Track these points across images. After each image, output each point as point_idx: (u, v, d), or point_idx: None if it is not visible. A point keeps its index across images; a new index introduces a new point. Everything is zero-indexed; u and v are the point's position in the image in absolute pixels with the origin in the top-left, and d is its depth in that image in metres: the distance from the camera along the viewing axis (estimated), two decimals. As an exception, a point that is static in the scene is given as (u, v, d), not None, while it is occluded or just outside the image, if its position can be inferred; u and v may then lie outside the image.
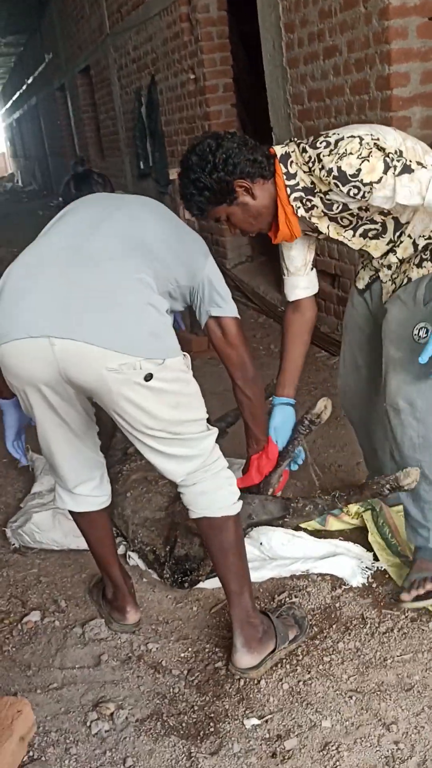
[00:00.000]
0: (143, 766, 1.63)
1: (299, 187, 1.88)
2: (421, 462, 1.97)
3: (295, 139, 1.94)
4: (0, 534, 2.69)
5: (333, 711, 1.72)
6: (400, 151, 1.78)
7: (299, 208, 1.91)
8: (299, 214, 1.92)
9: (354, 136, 1.77)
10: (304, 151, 1.85)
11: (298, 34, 4.02)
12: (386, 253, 1.98)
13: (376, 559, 2.25)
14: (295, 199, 1.89)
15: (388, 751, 1.59)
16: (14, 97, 21.15)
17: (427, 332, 1.85)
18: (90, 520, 1.97)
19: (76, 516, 1.97)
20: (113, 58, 8.49)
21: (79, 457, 1.87)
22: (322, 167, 1.78)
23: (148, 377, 1.60)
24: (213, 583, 2.19)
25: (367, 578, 2.18)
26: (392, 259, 1.97)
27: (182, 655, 1.98)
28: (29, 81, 16.81)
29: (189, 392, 1.72)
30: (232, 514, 1.81)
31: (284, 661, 1.89)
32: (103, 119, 10.02)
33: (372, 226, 1.94)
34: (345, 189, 1.77)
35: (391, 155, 1.74)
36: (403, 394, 1.92)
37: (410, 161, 1.74)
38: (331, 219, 1.94)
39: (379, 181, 1.73)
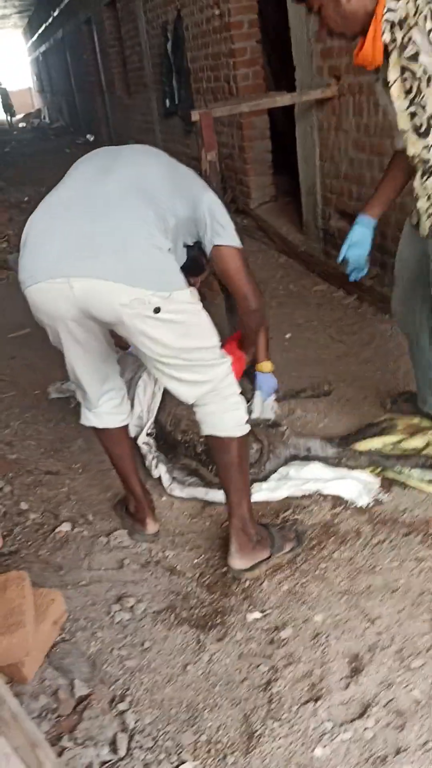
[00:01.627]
0: (158, 648, 1.89)
1: (396, 12, 1.86)
2: None
3: None
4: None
5: (325, 608, 1.96)
6: None
7: (385, 31, 1.89)
8: (384, 38, 1.91)
9: None
10: None
11: (320, -29, 4.01)
12: (424, 174, 2.01)
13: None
14: (387, 20, 1.88)
15: (371, 640, 1.83)
16: (40, 30, 20.77)
17: None
18: (111, 436, 2.23)
19: (99, 433, 2.24)
20: (139, -9, 8.37)
21: (101, 380, 2.13)
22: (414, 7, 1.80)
23: (157, 310, 1.80)
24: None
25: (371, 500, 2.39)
26: (429, 183, 2.02)
27: (195, 561, 2.23)
28: (55, 13, 16.51)
29: (197, 322, 1.92)
30: (236, 435, 2.02)
31: (284, 567, 2.13)
32: (129, 54, 9.92)
33: (421, 112, 1.95)
34: (429, 26, 1.80)
35: None
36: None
37: None
38: (402, 69, 1.93)
39: None
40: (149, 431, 2.75)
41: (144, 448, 2.70)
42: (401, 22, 1.87)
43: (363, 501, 2.37)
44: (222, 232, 2.06)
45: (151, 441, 2.74)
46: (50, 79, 22.27)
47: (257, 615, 1.97)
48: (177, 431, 2.68)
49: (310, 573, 2.10)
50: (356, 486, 2.43)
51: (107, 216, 1.82)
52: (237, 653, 1.85)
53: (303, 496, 2.43)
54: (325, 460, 2.56)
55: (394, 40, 1.88)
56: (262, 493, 2.43)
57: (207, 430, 2.04)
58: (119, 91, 11.23)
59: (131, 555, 2.28)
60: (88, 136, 15.25)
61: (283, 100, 4.23)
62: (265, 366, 3.00)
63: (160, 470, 2.61)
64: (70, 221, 1.84)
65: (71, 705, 1.69)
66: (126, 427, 2.26)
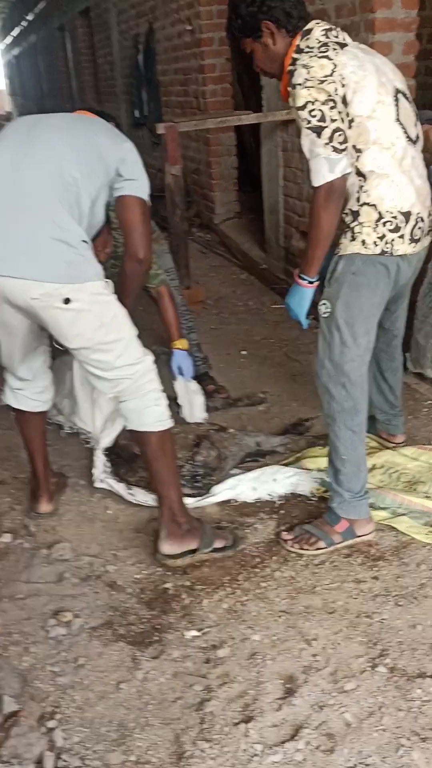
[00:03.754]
0: (93, 665, 1.86)
1: (297, 63, 2.00)
2: (330, 427, 2.20)
3: (326, 26, 2.05)
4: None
5: (263, 627, 1.95)
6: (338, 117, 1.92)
7: (291, 79, 2.02)
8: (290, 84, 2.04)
9: (332, 62, 1.92)
10: (318, 39, 2.00)
11: (290, -5, 4.07)
12: None
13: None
14: (290, 71, 2.02)
15: (306, 661, 1.83)
16: (14, 33, 20.64)
17: (326, 307, 2.09)
18: (26, 419, 2.38)
19: (16, 413, 2.38)
20: (113, 2, 8.39)
21: (27, 364, 2.26)
22: (300, 59, 1.97)
23: (66, 301, 1.90)
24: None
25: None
26: None
27: (136, 576, 2.21)
28: (29, 18, 16.43)
29: (112, 314, 2.00)
30: (155, 430, 2.10)
31: (225, 585, 2.12)
32: (101, 63, 9.93)
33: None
34: (294, 81, 1.95)
35: (315, 110, 1.90)
36: (315, 364, 2.20)
37: (328, 129, 1.90)
38: None
39: (299, 107, 1.93)
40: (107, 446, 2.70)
41: (100, 458, 2.65)
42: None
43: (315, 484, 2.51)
44: (128, 185, 2.09)
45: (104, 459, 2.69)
46: (22, 82, 22.12)
47: (195, 633, 1.95)
48: (132, 444, 2.64)
49: (251, 591, 2.09)
50: (306, 478, 2.54)
51: (21, 213, 1.92)
52: (172, 671, 1.83)
53: (247, 515, 2.44)
54: (273, 449, 2.77)
55: None
56: (225, 492, 2.51)
57: (129, 425, 2.13)
58: (89, 100, 11.20)
59: (72, 568, 2.24)
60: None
61: (248, 118, 4.28)
62: (181, 343, 3.00)
63: (110, 483, 2.59)
64: None
65: (-2, 722, 1.65)
66: (43, 413, 2.39)
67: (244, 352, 3.87)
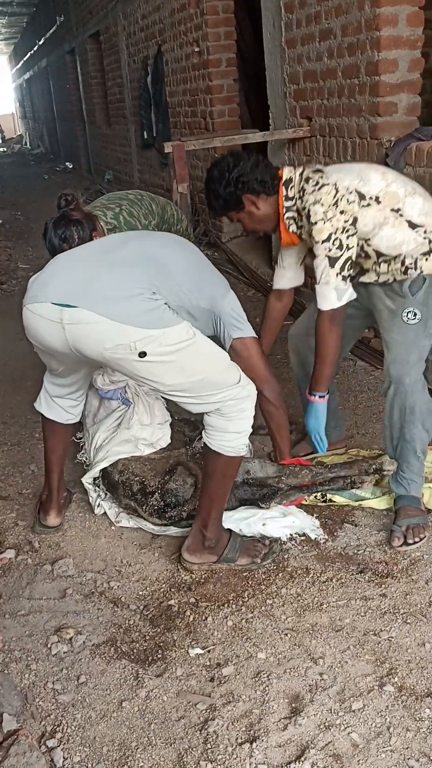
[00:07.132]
0: (95, 683, 1.83)
1: (293, 209, 2.26)
2: (407, 427, 2.26)
3: (299, 168, 2.28)
4: (-17, 481, 2.88)
5: (269, 645, 1.92)
6: (354, 220, 2.11)
7: (291, 225, 2.28)
8: (290, 230, 2.29)
9: (334, 188, 2.12)
10: (300, 181, 2.24)
11: (296, 15, 4.11)
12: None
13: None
14: (288, 218, 2.28)
15: (312, 680, 1.79)
16: (25, 58, 20.97)
17: (414, 315, 2.20)
18: (54, 428, 2.40)
19: (45, 421, 2.40)
20: (122, 25, 8.51)
21: (67, 388, 2.34)
22: (304, 202, 2.18)
23: (142, 354, 1.86)
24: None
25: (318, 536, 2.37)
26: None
27: (140, 593, 2.18)
28: (40, 42, 16.69)
29: (193, 356, 1.94)
30: (226, 454, 2.09)
31: (231, 602, 2.09)
32: (110, 86, 10.04)
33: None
34: (311, 221, 2.15)
35: (336, 239, 2.09)
36: (395, 370, 2.24)
37: (342, 258, 2.10)
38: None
39: (317, 242, 2.13)
40: (96, 476, 2.63)
41: (88, 488, 2.61)
42: (300, 214, 2.23)
43: (314, 533, 2.35)
44: (240, 326, 2.18)
45: (97, 483, 2.63)
46: (33, 106, 22.42)
47: (199, 651, 1.92)
48: (115, 471, 2.56)
49: (257, 609, 2.06)
50: (305, 521, 2.41)
51: (113, 270, 1.94)
52: (176, 690, 1.80)
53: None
54: (264, 480, 2.51)
55: (301, 227, 2.25)
56: None
57: (204, 437, 2.12)
58: (99, 122, 11.33)
59: (75, 585, 2.21)
60: (67, 163, 15.34)
61: (255, 137, 4.30)
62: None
63: (104, 506, 2.55)
64: (83, 267, 1.99)
65: (-2, 740, 1.62)
66: (70, 426, 2.42)
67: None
